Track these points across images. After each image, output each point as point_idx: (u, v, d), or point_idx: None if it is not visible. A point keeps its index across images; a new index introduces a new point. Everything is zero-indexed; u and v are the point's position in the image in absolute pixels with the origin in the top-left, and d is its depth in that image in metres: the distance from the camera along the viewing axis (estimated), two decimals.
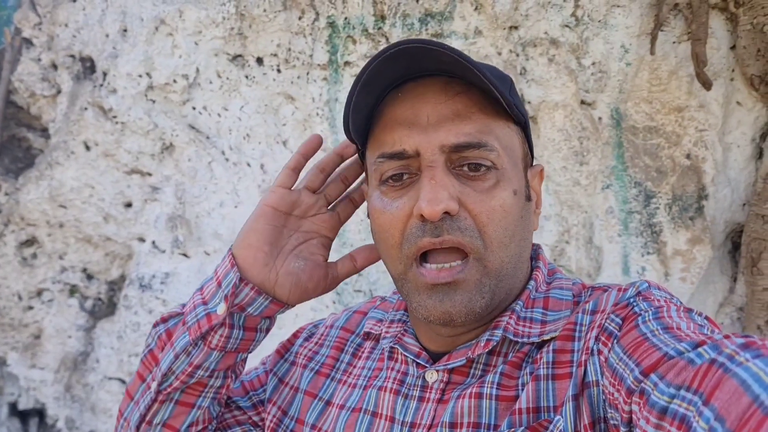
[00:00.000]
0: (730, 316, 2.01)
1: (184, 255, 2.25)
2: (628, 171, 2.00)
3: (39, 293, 2.41)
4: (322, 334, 0.97)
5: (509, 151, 0.77)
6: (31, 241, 2.41)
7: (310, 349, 0.95)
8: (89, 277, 2.41)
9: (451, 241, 0.72)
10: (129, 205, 2.31)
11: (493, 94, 0.73)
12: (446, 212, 0.71)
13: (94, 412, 2.39)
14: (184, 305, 0.90)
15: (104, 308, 2.43)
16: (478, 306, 0.73)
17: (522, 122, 0.80)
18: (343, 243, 2.12)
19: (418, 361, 0.80)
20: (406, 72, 0.76)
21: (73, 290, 2.41)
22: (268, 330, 0.89)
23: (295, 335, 1.01)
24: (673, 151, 1.96)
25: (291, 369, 0.95)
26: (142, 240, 2.30)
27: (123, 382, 2.35)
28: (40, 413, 2.50)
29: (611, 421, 0.63)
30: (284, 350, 0.99)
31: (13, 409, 2.49)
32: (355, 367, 0.89)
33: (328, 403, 0.87)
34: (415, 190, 0.74)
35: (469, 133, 0.73)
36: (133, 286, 2.28)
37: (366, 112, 0.78)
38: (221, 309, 0.81)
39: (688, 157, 1.96)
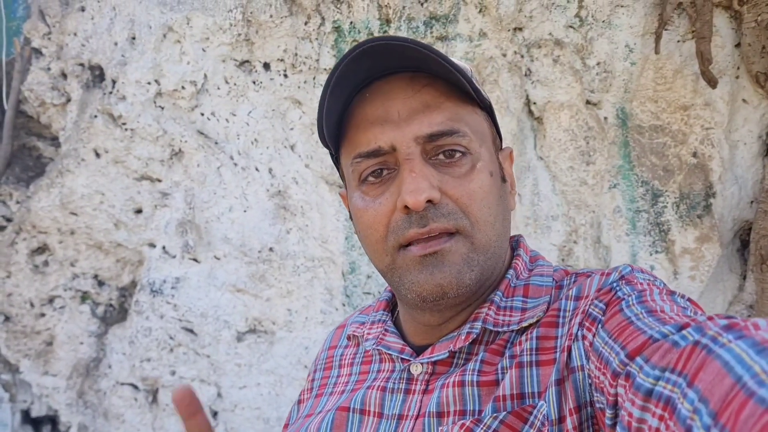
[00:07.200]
0: (740, 314, 2.00)
1: (195, 260, 2.26)
2: (634, 170, 2.00)
3: (51, 300, 2.43)
4: (319, 360, 0.99)
5: (480, 135, 0.79)
6: (42, 249, 2.43)
7: (312, 380, 0.97)
8: (100, 283, 2.43)
9: (438, 228, 0.74)
10: (139, 211, 2.33)
11: (460, 83, 0.75)
12: (429, 201, 0.73)
13: (107, 417, 2.40)
14: None
15: (116, 314, 2.45)
16: (467, 278, 0.74)
17: (487, 106, 0.83)
18: (351, 246, 2.13)
19: (402, 356, 0.81)
20: (369, 72, 0.78)
21: (84, 297, 2.43)
22: None
23: (308, 376, 1.02)
24: (680, 150, 1.97)
25: (296, 408, 0.97)
26: (152, 246, 2.32)
27: (135, 387, 2.36)
28: (52, 420, 2.51)
29: (597, 405, 0.64)
30: (300, 395, 1.00)
31: (26, 417, 2.51)
32: (342, 376, 0.90)
33: (307, 415, 0.87)
34: (396, 185, 0.76)
35: (440, 122, 0.76)
36: (144, 291, 2.30)
37: (336, 116, 0.79)
38: None
39: (694, 155, 1.96)
